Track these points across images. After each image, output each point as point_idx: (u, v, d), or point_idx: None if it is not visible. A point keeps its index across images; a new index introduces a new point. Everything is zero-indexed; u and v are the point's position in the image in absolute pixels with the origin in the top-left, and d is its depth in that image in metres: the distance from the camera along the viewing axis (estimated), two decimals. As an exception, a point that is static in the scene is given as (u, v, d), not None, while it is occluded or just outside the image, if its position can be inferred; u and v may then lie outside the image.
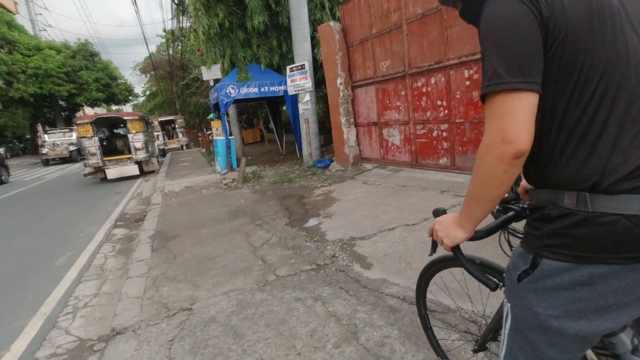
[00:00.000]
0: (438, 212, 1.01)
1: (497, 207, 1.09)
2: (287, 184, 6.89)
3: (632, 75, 0.73)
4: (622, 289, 0.73)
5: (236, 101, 9.35)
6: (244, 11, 8.61)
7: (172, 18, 17.22)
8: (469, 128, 5.02)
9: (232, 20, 8.71)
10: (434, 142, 5.64)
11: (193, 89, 23.91)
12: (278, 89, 8.82)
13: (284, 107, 13.37)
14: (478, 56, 4.66)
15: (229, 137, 8.85)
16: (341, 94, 7.00)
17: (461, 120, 5.10)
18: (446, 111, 5.30)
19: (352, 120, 7.21)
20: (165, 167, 12.02)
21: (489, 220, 1.01)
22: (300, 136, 8.58)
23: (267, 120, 17.97)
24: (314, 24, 8.24)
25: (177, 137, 20.59)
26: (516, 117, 0.72)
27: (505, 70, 0.72)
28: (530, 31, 0.72)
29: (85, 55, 25.38)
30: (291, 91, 8.17)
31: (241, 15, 8.77)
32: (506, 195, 0.99)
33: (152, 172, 11.05)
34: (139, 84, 32.28)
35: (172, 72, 25.10)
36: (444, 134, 5.42)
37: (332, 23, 6.87)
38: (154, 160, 11.34)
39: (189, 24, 17.91)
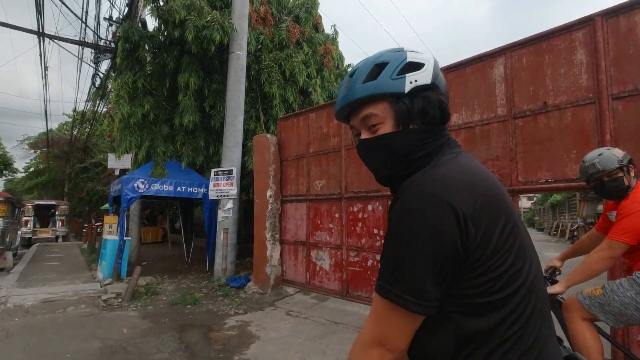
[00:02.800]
0: None
1: None
2: (191, 306, 5.56)
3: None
4: None
5: (143, 197, 8.13)
6: (174, 107, 8.20)
7: (87, 101, 15.96)
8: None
9: (158, 114, 8.15)
10: (368, 272, 5.22)
11: (91, 174, 21.29)
12: (197, 191, 7.98)
13: (199, 208, 12.26)
14: (417, 192, 4.72)
15: (125, 238, 7.33)
16: (270, 207, 6.48)
17: (398, 252, 4.86)
18: (382, 241, 5.05)
19: (277, 236, 6.58)
20: (23, 265, 9.28)
21: None
22: (214, 245, 7.53)
23: (174, 219, 16.26)
24: (247, 132, 8.12)
25: (55, 225, 17.13)
26: (396, 329, 0.73)
27: (405, 284, 0.71)
28: (444, 258, 0.70)
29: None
30: (212, 195, 7.41)
31: (170, 111, 8.31)
32: None
33: (1, 270, 8.39)
34: (23, 159, 27.90)
35: (70, 152, 22.39)
36: (379, 265, 5.07)
37: (268, 135, 6.75)
38: (8, 255, 8.76)
39: (105, 109, 16.79)
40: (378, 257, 5.10)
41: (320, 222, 6.01)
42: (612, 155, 2.02)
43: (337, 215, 5.74)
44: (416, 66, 0.80)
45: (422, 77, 0.79)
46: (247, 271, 7.45)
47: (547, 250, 12.66)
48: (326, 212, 5.93)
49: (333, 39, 9.83)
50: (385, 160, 0.85)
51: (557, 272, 2.36)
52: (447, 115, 0.83)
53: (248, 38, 7.85)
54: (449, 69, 4.58)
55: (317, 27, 9.73)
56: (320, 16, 9.77)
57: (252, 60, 8.40)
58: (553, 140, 3.67)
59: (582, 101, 3.53)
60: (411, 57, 0.80)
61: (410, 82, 0.79)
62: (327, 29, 10.17)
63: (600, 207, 14.29)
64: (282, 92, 8.44)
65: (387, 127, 0.82)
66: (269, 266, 6.38)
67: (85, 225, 18.59)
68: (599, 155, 2.06)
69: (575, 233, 16.32)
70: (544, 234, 23.98)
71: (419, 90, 0.79)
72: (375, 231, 5.17)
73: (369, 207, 5.28)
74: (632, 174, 2.06)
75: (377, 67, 0.82)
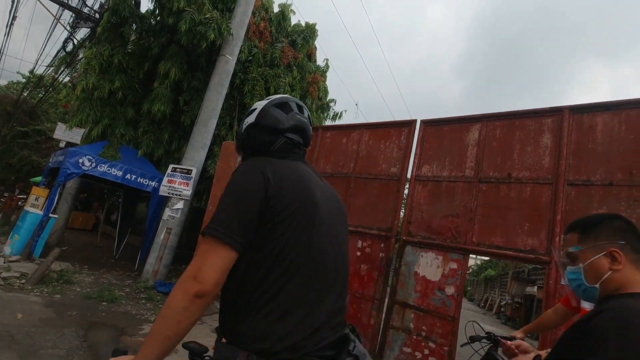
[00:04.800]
0: (117, 352, 0.93)
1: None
2: (107, 304, 4.97)
3: (318, 262, 1.00)
4: None
5: (84, 176, 7.44)
6: (146, 93, 7.81)
7: (50, 65, 14.80)
8: (349, 301, 4.64)
9: (127, 95, 7.70)
10: (308, 304, 5.01)
11: (31, 141, 19.39)
12: (147, 183, 7.45)
13: (142, 204, 11.44)
14: (375, 232, 4.71)
15: (50, 215, 6.55)
16: (221, 216, 6.16)
17: (343, 289, 4.74)
18: (330, 275, 4.93)
19: (222, 248, 6.21)
20: None
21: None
22: (150, 245, 6.94)
23: (111, 210, 15.02)
24: (216, 138, 7.86)
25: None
26: (212, 262, 0.89)
27: (224, 222, 0.93)
28: (255, 203, 0.95)
29: None
30: (163, 191, 6.94)
31: (141, 95, 7.89)
32: None
33: None
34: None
35: (12, 113, 20.39)
36: (321, 299, 4.90)
37: (239, 144, 6.56)
38: None
39: (68, 77, 15.66)
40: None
41: (270, 242, 5.78)
42: None
43: (289, 239, 5.56)
44: (251, 112, 1.24)
45: (252, 118, 1.22)
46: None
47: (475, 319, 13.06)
48: (279, 234, 5.72)
49: (323, 72, 10.09)
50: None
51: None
52: (268, 142, 1.19)
53: (242, 47, 7.82)
54: (428, 123, 4.79)
55: (311, 56, 9.97)
56: (315, 47, 10.05)
57: (240, 69, 8.32)
58: (511, 210, 3.86)
59: (541, 180, 3.79)
60: (252, 107, 1.26)
61: (245, 124, 1.24)
62: (320, 61, 10.44)
63: (528, 289, 15.22)
64: (261, 107, 8.37)
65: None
66: (205, 278, 5.94)
67: (6, 194, 16.58)
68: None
69: (502, 309, 17.13)
70: (473, 304, 24.98)
71: (247, 128, 1.22)
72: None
73: (324, 238, 5.17)
74: None
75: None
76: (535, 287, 14.33)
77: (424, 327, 4.01)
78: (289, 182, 1.01)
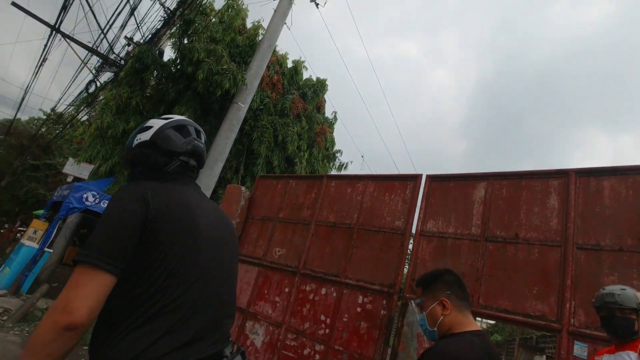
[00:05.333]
0: None
1: None
2: (87, 347, 4.66)
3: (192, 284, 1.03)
4: None
5: (86, 211, 7.43)
6: (159, 134, 8.04)
7: (71, 104, 15.51)
8: (346, 362, 4.33)
9: (140, 135, 7.93)
10: (302, 362, 4.68)
11: (40, 174, 19.71)
12: (147, 222, 7.39)
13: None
14: (377, 287, 4.52)
15: (45, 249, 6.43)
16: (219, 261, 5.99)
17: (340, 348, 4.44)
18: (327, 330, 4.65)
19: (216, 295, 5.96)
20: None
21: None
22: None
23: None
24: (221, 180, 7.93)
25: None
26: (84, 291, 0.85)
27: (98, 248, 0.91)
28: (132, 226, 0.95)
29: None
30: (162, 232, 6.85)
31: (153, 136, 8.12)
32: None
33: None
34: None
35: (28, 146, 20.97)
36: (317, 357, 4.57)
37: (243, 188, 6.58)
38: None
39: (86, 116, 16.32)
40: (317, 347, 4.63)
41: (267, 292, 5.55)
42: (634, 295, 2.02)
43: (287, 289, 5.34)
44: (147, 128, 1.23)
45: (147, 135, 1.20)
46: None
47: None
48: (276, 284, 5.51)
49: (331, 123, 10.42)
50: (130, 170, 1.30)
51: None
52: (162, 163, 1.21)
53: (254, 96, 8.18)
54: (434, 178, 4.80)
55: (320, 108, 10.36)
56: (325, 100, 10.48)
57: (250, 117, 8.63)
58: (518, 272, 3.71)
59: (550, 242, 3.68)
60: (145, 125, 1.26)
61: (137, 140, 1.21)
62: (329, 114, 10.83)
63: (537, 358, 14.24)
64: (269, 153, 8.55)
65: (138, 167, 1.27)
66: (195, 327, 5.63)
67: (5, 226, 16.51)
68: (622, 289, 2.08)
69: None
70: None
71: (140, 145, 1.20)
72: (322, 317, 4.78)
73: (323, 290, 4.96)
74: None
75: (141, 129, 1.29)
76: (544, 356, 13.41)
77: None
78: (171, 206, 1.04)
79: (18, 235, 13.02)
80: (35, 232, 6.94)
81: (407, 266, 4.68)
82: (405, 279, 4.41)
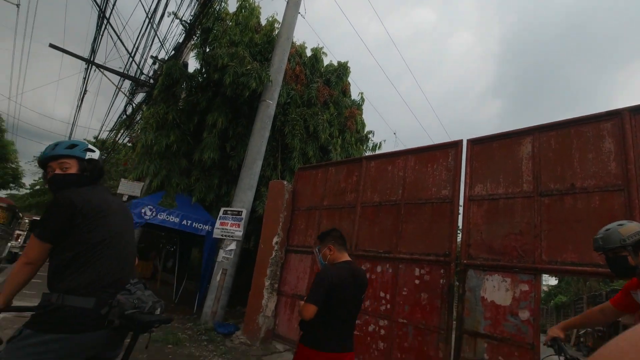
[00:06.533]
0: None
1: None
2: (173, 346, 5.11)
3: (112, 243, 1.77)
4: (62, 349, 1.51)
5: (146, 226, 7.98)
6: (196, 143, 8.42)
7: (112, 130, 16.49)
8: (413, 333, 4.42)
9: (180, 147, 8.34)
10: (368, 338, 4.83)
11: (96, 199, 21.22)
12: (201, 228, 7.82)
13: (195, 249, 11.91)
14: (432, 258, 4.54)
15: (118, 264, 7.02)
16: (274, 254, 6.26)
17: (404, 321, 4.53)
18: (389, 306, 4.76)
19: (276, 286, 6.25)
20: (2, 278, 8.83)
21: None
22: (206, 287, 7.15)
23: (168, 257, 15.75)
24: (261, 179, 8.18)
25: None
26: (33, 248, 1.63)
27: (42, 227, 1.64)
28: (63, 216, 1.65)
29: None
30: (217, 234, 7.24)
31: (192, 146, 8.52)
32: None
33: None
34: (32, 175, 28.16)
35: (81, 175, 22.55)
36: (382, 332, 4.71)
37: (285, 182, 6.78)
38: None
39: (127, 138, 17.30)
40: (381, 323, 4.76)
41: (324, 277, 5.73)
42: (616, 232, 1.89)
43: (343, 272, 5.48)
44: (93, 150, 1.91)
45: (95, 155, 1.90)
46: (235, 320, 6.95)
47: None
48: (332, 268, 5.68)
49: (359, 105, 10.35)
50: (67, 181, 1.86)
51: (563, 343, 2.12)
52: (97, 175, 1.92)
53: (280, 91, 8.31)
54: (475, 142, 4.70)
55: (345, 92, 10.31)
56: (349, 83, 10.41)
57: (279, 112, 8.78)
58: (580, 222, 3.59)
59: (610, 187, 3.52)
60: (89, 147, 1.90)
61: (89, 154, 1.89)
62: (354, 96, 10.76)
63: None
64: (302, 145, 8.68)
65: (72, 170, 1.85)
66: (262, 316, 5.96)
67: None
68: (605, 231, 1.96)
69: (582, 340, 15.28)
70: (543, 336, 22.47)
71: (90, 160, 1.88)
72: (382, 294, 4.89)
73: (378, 268, 5.06)
74: None
75: (72, 144, 1.88)
76: (619, 312, 12.70)
77: (500, 358, 3.70)
78: (89, 201, 1.71)
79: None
80: (105, 250, 7.60)
81: (459, 233, 4.65)
82: (461, 245, 4.40)
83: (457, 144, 4.88)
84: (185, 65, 9.38)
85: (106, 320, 1.58)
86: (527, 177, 4.15)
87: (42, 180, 29.27)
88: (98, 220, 1.69)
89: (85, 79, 10.11)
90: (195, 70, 8.85)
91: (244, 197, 7.40)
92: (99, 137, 22.42)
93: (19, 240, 15.55)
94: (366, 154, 10.39)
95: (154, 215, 7.28)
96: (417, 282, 4.60)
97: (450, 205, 4.63)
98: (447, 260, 4.40)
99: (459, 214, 4.65)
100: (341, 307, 2.29)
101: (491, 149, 4.55)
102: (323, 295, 2.20)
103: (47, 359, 1.47)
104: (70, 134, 15.96)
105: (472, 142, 4.74)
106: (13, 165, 26.67)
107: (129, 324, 1.61)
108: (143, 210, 7.18)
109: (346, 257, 2.51)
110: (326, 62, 10.47)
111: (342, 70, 10.20)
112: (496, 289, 3.97)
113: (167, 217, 7.48)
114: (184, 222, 7.64)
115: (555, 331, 2.18)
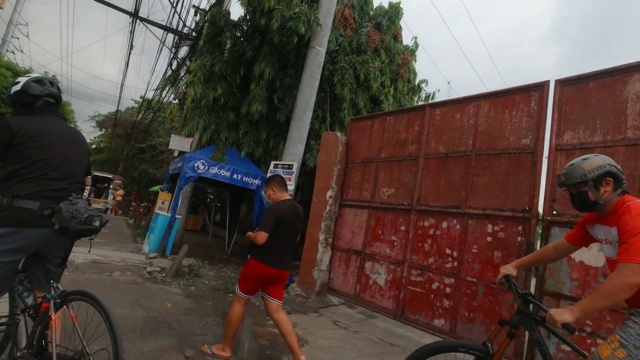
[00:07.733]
0: None
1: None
2: (233, 295, 5.25)
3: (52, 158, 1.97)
4: (14, 241, 1.82)
5: (197, 180, 8.13)
6: (243, 96, 8.20)
7: (157, 89, 16.71)
8: (482, 292, 4.16)
9: (227, 100, 8.17)
10: (432, 295, 4.65)
11: (147, 156, 22.27)
12: (252, 182, 7.82)
13: (244, 203, 12.20)
14: (508, 213, 4.14)
15: (176, 216, 7.26)
16: (328, 208, 6.12)
17: (474, 279, 4.27)
18: (455, 263, 4.49)
19: (330, 240, 6.18)
20: (76, 228, 9.57)
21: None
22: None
23: (215, 211, 16.40)
24: (310, 132, 7.89)
25: (107, 197, 17.90)
26: None
27: None
28: (3, 139, 1.86)
29: (45, 87, 23.61)
30: (268, 188, 7.18)
31: (239, 99, 8.32)
32: None
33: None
34: (89, 134, 29.89)
35: (132, 133, 23.63)
36: (447, 290, 4.50)
37: (338, 134, 6.46)
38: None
39: (172, 96, 17.54)
40: (446, 280, 4.54)
41: (381, 232, 5.54)
42: (580, 167, 1.82)
43: (402, 228, 5.25)
44: (16, 83, 2.06)
45: (16, 87, 2.04)
46: (293, 273, 7.07)
47: None
48: (390, 223, 5.45)
49: (412, 51, 9.51)
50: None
51: (513, 280, 2.12)
52: (42, 105, 2.06)
53: (329, 37, 7.72)
54: (566, 82, 4.04)
55: (397, 37, 9.47)
56: (401, 27, 9.52)
57: (327, 61, 8.24)
58: None
59: None
60: (15, 81, 2.09)
61: (12, 90, 2.05)
62: (407, 41, 9.87)
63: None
64: (352, 96, 8.19)
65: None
66: (317, 270, 5.96)
67: (133, 203, 19.30)
68: (569, 166, 1.88)
69: None
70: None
71: (16, 92, 2.04)
72: (448, 251, 4.62)
73: (444, 224, 4.75)
74: (609, 188, 1.77)
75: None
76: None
77: (588, 322, 3.37)
78: (29, 127, 1.91)
79: (142, 210, 15.11)
80: (163, 202, 7.89)
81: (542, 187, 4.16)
82: (544, 201, 3.94)
83: (542, 86, 4.23)
84: (228, 13, 8.93)
85: (50, 222, 1.83)
86: (633, 122, 3.53)
87: (99, 139, 31.16)
88: (35, 142, 1.89)
89: (131, 34, 10.04)
90: (239, 18, 8.41)
91: (294, 150, 7.19)
92: (144, 97, 23.02)
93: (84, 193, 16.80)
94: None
95: (206, 169, 7.34)
96: (489, 239, 4.26)
97: (532, 156, 4.12)
98: (527, 217, 3.98)
99: (542, 165, 4.14)
100: (284, 234, 3.00)
101: (587, 90, 3.89)
102: (272, 225, 2.89)
103: (2, 250, 1.79)
104: (121, 87, 16.37)
105: (562, 83, 4.08)
106: (71, 125, 28.47)
107: (65, 230, 1.83)
108: (196, 165, 7.25)
109: (286, 196, 3.22)
110: (376, 3, 9.57)
111: (393, 12, 9.29)
112: (585, 249, 3.53)
113: (219, 171, 7.52)
114: (235, 176, 7.66)
115: (508, 268, 2.15)
